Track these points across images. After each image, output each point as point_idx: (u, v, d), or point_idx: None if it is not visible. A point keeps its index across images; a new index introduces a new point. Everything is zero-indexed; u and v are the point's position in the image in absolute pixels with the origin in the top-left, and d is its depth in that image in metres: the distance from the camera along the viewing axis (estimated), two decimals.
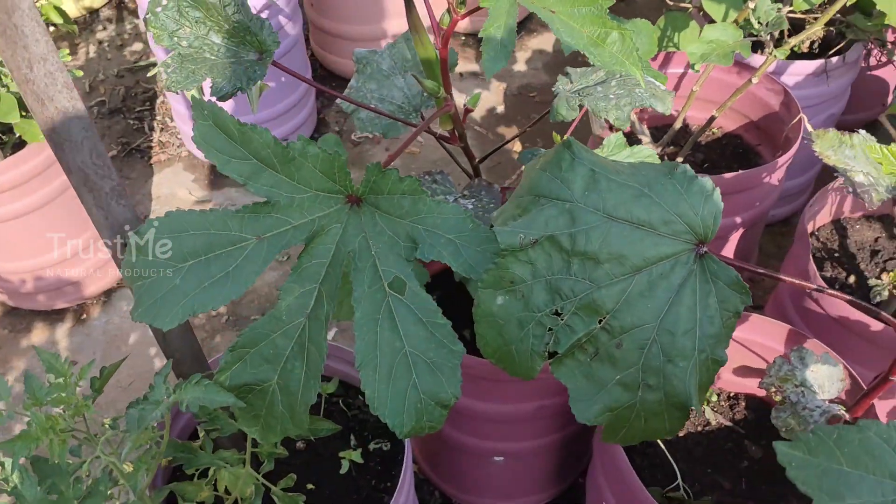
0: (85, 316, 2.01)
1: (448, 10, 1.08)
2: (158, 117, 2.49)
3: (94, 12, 2.86)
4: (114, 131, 2.46)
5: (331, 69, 2.64)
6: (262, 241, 0.86)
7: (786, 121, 1.70)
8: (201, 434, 1.08)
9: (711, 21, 1.94)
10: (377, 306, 0.84)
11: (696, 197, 0.79)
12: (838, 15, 1.85)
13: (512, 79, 2.66)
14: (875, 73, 2.26)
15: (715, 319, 0.77)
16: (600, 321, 0.78)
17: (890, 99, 2.41)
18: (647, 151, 1.33)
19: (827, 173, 2.21)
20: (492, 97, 2.59)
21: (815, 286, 0.89)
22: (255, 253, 0.86)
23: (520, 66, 2.69)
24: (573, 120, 1.26)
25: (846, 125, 2.35)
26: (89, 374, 0.92)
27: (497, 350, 0.82)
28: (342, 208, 0.90)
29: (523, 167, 0.87)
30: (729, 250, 1.69)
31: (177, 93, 1.02)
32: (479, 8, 1.01)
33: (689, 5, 1.84)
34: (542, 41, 2.82)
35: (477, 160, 1.35)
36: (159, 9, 1.05)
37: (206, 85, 1.04)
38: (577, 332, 0.78)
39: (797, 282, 0.85)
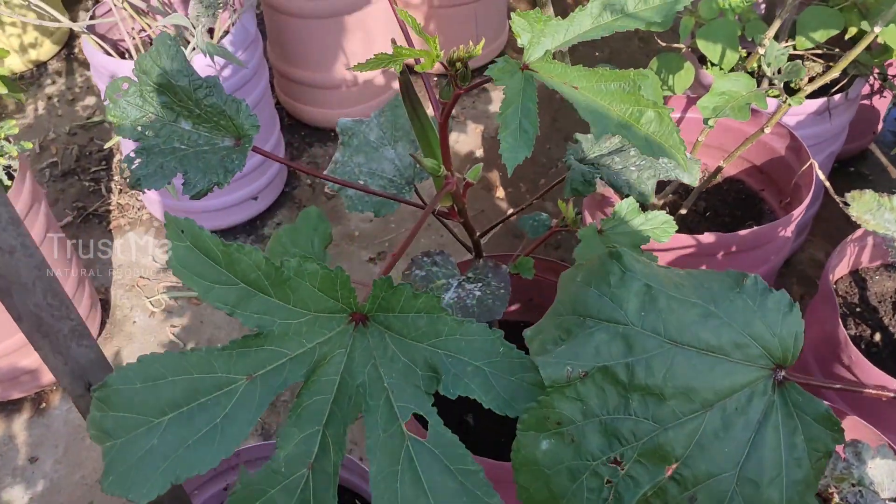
0: (44, 405, 1.83)
1: (449, 83, 0.96)
2: (116, 178, 2.33)
3: (41, 65, 2.69)
4: (68, 195, 2.29)
5: (298, 117, 2.51)
6: (253, 380, 0.73)
7: (792, 165, 1.60)
8: None
9: (703, 59, 1.85)
10: (395, 456, 0.71)
11: (771, 314, 0.67)
12: (837, 50, 1.76)
13: (489, 120, 2.55)
14: (864, 102, 2.18)
15: (803, 462, 0.65)
16: (668, 470, 0.65)
17: (880, 127, 2.34)
18: (663, 217, 1.22)
19: (827, 212, 2.13)
20: (469, 140, 2.47)
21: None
22: (246, 397, 0.72)
23: (495, 107, 2.58)
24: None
25: (839, 157, 2.28)
26: None
27: None
28: (345, 329, 0.77)
29: (560, 279, 0.74)
30: None
31: (143, 192, 0.89)
32: (484, 81, 0.90)
33: (681, 45, 1.74)
34: None
35: (477, 234, 1.22)
36: (119, 94, 0.91)
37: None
38: (641, 485, 0.66)
39: (885, 393, 0.73)
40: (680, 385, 0.66)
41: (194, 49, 1.47)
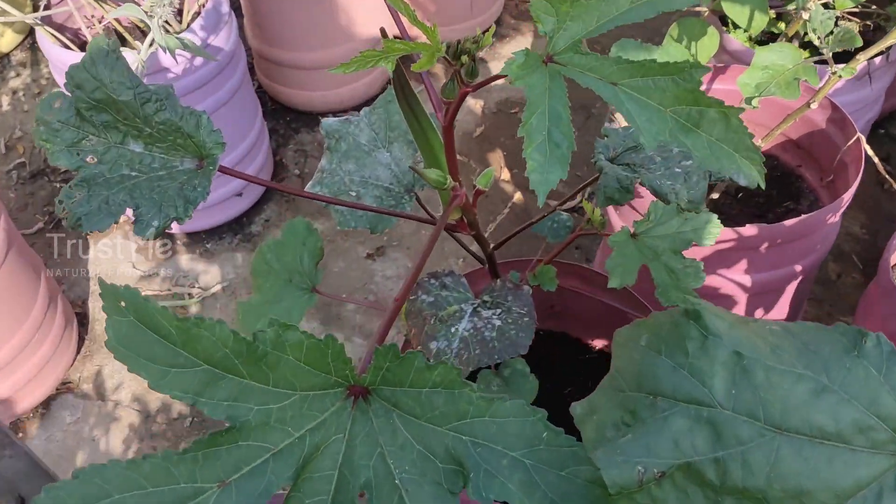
0: (21, 435, 1.68)
1: (453, 79, 0.79)
2: None
3: (4, 57, 2.50)
4: (38, 198, 2.12)
5: (281, 101, 2.32)
6: (227, 487, 0.57)
7: (835, 139, 1.43)
8: None
9: (725, 21, 1.68)
10: None
11: None
12: (874, 8, 1.58)
13: (489, 93, 2.37)
14: None
15: None
16: None
17: None
18: (705, 216, 1.05)
19: (860, 181, 1.96)
20: (469, 117, 2.30)
21: None
22: None
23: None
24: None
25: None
26: None
27: None
28: (342, 407, 0.61)
29: (616, 339, 0.58)
30: (784, 303, 1.42)
31: (85, 234, 0.72)
32: (496, 78, 0.73)
33: (703, 8, 1.56)
34: (517, 46, 2.53)
35: (492, 247, 1.06)
36: (50, 115, 0.74)
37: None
38: None
39: None
40: (789, 486, 0.50)
41: (152, 44, 1.29)
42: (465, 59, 0.75)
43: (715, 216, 1.05)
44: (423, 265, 0.77)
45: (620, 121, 1.42)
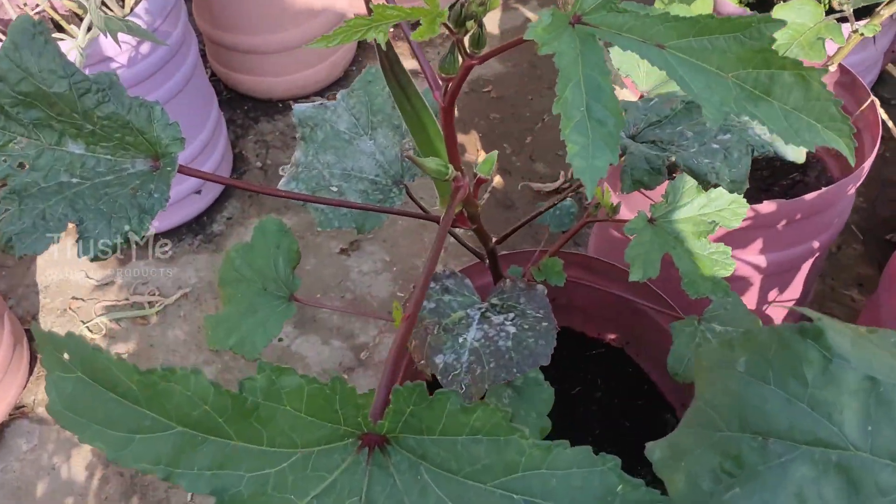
0: None
1: (454, 49, 0.68)
2: None
3: None
4: None
5: (237, 89, 2.17)
6: None
7: (845, 104, 1.33)
8: None
9: None
10: None
11: None
12: None
13: None
14: None
15: None
16: None
17: None
18: (729, 196, 0.95)
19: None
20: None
21: None
22: None
23: None
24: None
25: None
26: None
27: None
28: (355, 462, 0.48)
29: (700, 363, 0.46)
30: (798, 283, 1.32)
31: (19, 258, 0.59)
32: (513, 44, 0.61)
33: None
34: (488, 21, 2.40)
35: (494, 241, 0.94)
36: None
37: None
38: None
39: None
40: None
41: (90, 28, 1.14)
42: (470, 24, 0.63)
43: (740, 196, 0.94)
44: (432, 270, 0.65)
45: (618, 92, 1.31)
